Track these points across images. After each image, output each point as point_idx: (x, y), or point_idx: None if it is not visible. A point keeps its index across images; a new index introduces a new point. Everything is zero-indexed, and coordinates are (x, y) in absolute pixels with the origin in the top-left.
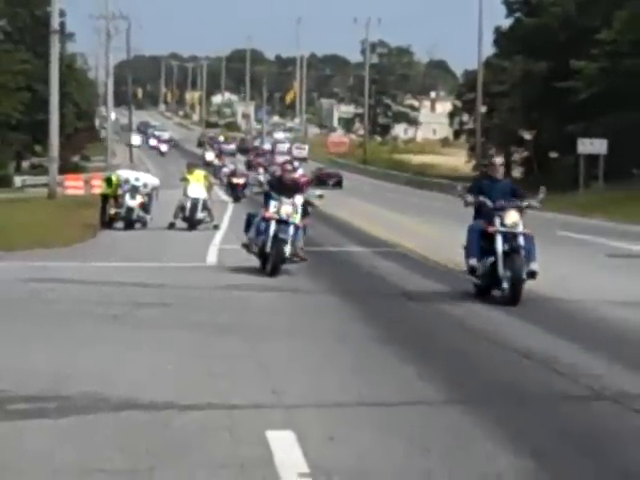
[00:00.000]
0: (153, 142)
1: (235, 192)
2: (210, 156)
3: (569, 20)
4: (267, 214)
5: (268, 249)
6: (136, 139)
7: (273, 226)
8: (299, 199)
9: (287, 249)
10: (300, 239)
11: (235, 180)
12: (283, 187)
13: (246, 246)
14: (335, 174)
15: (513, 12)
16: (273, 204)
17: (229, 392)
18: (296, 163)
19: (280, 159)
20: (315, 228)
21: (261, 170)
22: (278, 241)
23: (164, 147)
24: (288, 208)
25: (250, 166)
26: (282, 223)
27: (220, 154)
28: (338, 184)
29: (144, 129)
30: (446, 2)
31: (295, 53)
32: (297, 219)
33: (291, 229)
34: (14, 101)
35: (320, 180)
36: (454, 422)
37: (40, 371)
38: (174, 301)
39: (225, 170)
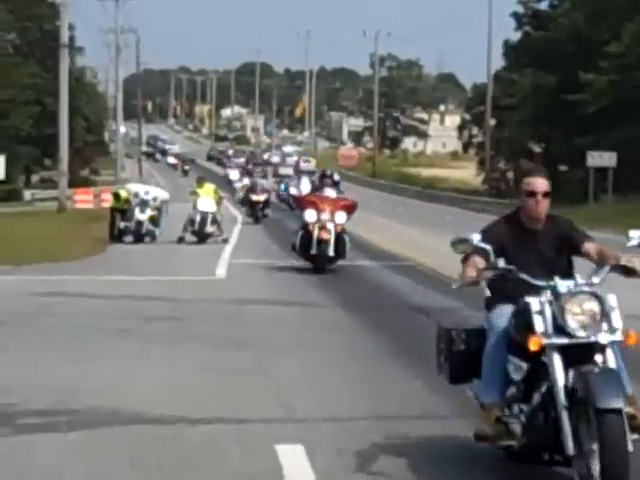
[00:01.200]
0: (172, 160)
1: (254, 211)
2: (235, 175)
3: (578, 33)
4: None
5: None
6: (171, 159)
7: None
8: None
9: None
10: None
11: (255, 197)
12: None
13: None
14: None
15: (522, 25)
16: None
17: (239, 406)
18: (336, 176)
19: (283, 171)
20: None
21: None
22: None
23: (187, 166)
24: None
25: (247, 174)
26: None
27: (247, 171)
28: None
29: (153, 142)
30: (455, 16)
31: (304, 66)
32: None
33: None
34: (23, 115)
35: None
36: (462, 435)
37: (50, 385)
38: (184, 315)
39: (238, 184)
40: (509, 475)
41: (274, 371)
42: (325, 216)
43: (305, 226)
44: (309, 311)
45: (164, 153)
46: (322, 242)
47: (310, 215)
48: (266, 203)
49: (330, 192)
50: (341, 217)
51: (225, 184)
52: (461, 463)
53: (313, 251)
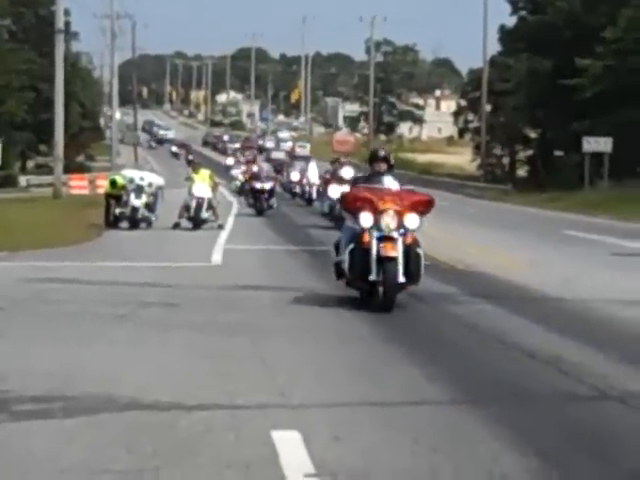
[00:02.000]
0: (175, 149)
1: (259, 202)
2: (231, 161)
3: (574, 18)
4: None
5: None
6: (174, 147)
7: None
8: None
9: None
10: None
11: (259, 185)
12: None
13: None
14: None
15: (518, 10)
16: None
17: (235, 392)
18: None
19: (276, 155)
20: (317, 227)
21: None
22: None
23: (191, 156)
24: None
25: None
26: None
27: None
28: None
29: (149, 128)
30: (451, 0)
31: (300, 52)
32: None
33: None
34: (18, 100)
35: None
36: (460, 422)
37: (46, 371)
38: (180, 301)
39: (236, 171)
40: (507, 462)
41: (270, 357)
42: (388, 220)
43: (359, 237)
44: (305, 297)
45: (160, 142)
46: (387, 261)
47: (366, 219)
48: (271, 192)
49: (390, 182)
50: (413, 221)
51: (224, 172)
52: (460, 448)
53: (373, 276)
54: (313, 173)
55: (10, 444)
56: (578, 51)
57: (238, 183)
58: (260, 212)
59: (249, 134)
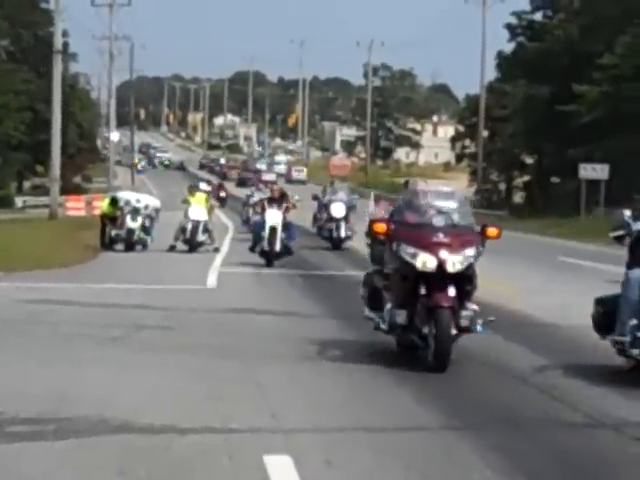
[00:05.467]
0: (204, 186)
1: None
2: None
3: (572, 44)
4: None
5: None
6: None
7: None
8: None
9: None
10: None
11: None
12: None
13: None
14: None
15: (516, 36)
16: None
17: (228, 416)
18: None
19: (267, 177)
20: (316, 253)
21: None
22: None
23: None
24: None
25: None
26: None
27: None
28: None
29: (146, 150)
30: (449, 26)
31: (298, 75)
32: None
33: None
34: (16, 121)
35: None
36: (452, 448)
37: (39, 393)
38: (174, 324)
39: (254, 199)
40: None
41: (263, 381)
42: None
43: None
44: (300, 321)
45: (152, 164)
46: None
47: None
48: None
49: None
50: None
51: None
52: (451, 475)
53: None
54: (339, 209)
55: (2, 465)
56: (575, 77)
57: (250, 213)
58: (270, 262)
59: (246, 157)
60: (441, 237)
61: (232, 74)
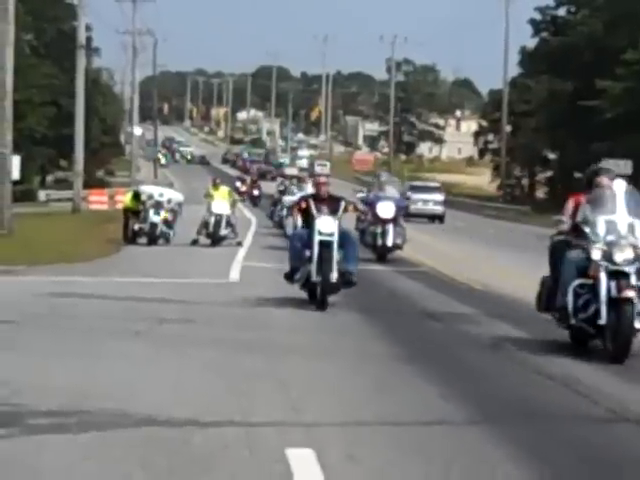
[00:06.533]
0: (239, 184)
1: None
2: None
3: (595, 40)
4: None
5: None
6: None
7: None
8: None
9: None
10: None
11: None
12: None
13: None
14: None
15: (539, 32)
16: None
17: (250, 409)
18: None
19: (289, 171)
20: None
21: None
22: None
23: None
24: None
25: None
26: None
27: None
28: None
29: (169, 144)
30: (472, 21)
31: (321, 70)
32: None
33: None
34: (39, 115)
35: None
36: (474, 442)
37: (61, 386)
38: (197, 317)
39: (288, 198)
40: None
41: (285, 375)
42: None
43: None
44: (322, 314)
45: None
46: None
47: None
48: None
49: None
50: None
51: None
52: (474, 469)
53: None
54: (387, 209)
55: (24, 458)
56: (598, 73)
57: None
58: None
59: (268, 150)
60: None
61: (255, 69)
